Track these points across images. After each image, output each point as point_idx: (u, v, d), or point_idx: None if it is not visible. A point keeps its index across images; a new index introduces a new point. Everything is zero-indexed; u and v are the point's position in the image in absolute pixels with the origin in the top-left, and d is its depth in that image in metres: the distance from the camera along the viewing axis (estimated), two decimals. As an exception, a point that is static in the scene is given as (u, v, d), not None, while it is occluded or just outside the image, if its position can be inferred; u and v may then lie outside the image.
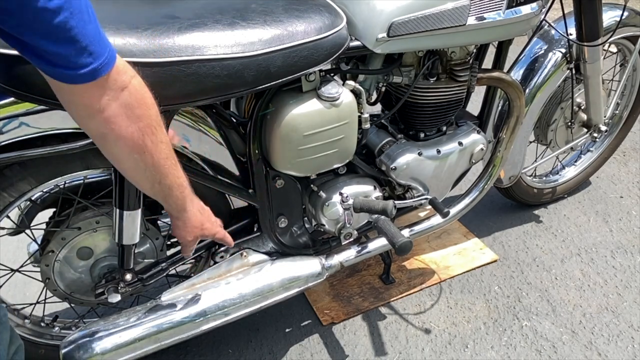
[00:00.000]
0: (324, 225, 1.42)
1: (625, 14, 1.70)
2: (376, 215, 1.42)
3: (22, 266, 1.35)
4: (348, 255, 1.51)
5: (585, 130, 1.93)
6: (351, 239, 1.46)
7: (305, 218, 1.48)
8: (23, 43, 0.72)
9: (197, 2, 1.14)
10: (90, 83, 0.78)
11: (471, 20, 1.28)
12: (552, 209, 2.11)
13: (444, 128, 1.54)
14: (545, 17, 1.56)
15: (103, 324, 1.25)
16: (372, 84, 1.40)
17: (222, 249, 1.39)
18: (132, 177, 0.97)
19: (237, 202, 1.38)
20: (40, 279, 1.30)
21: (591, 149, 2.14)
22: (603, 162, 2.17)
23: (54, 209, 1.32)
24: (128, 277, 1.27)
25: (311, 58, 1.16)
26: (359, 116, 1.31)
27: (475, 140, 1.54)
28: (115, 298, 1.27)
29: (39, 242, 1.32)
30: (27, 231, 1.31)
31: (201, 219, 1.13)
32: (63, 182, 1.24)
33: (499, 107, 1.69)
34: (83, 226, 1.26)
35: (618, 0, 1.78)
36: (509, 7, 1.32)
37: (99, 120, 0.84)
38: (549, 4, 1.55)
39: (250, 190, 1.34)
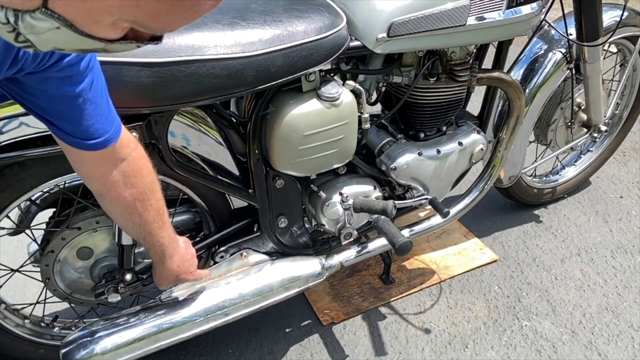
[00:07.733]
0: (324, 225, 1.42)
1: (625, 14, 1.70)
2: (376, 215, 1.42)
3: (22, 266, 1.35)
4: (348, 255, 1.51)
5: (585, 130, 1.93)
6: (351, 239, 1.46)
7: (305, 218, 1.48)
8: (42, 117, 0.85)
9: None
10: (95, 152, 0.90)
11: (471, 20, 1.28)
12: (552, 209, 2.10)
13: (444, 128, 1.54)
14: (545, 17, 1.56)
15: (103, 324, 1.25)
16: (372, 84, 1.40)
17: (222, 249, 1.39)
18: (123, 228, 1.15)
19: (237, 202, 1.38)
20: (40, 279, 1.30)
21: (591, 149, 2.14)
22: (603, 162, 2.17)
23: (54, 209, 1.32)
24: (128, 277, 1.28)
25: (311, 58, 1.16)
26: (359, 116, 1.31)
27: (475, 140, 1.54)
28: (115, 298, 1.27)
29: (39, 242, 1.32)
30: (27, 231, 1.30)
31: (178, 272, 1.18)
32: (63, 182, 1.24)
33: (499, 107, 1.69)
34: (83, 226, 1.26)
35: (618, 0, 1.78)
36: (509, 7, 1.32)
37: (100, 183, 0.98)
38: (549, 4, 1.55)
39: (250, 190, 1.34)
